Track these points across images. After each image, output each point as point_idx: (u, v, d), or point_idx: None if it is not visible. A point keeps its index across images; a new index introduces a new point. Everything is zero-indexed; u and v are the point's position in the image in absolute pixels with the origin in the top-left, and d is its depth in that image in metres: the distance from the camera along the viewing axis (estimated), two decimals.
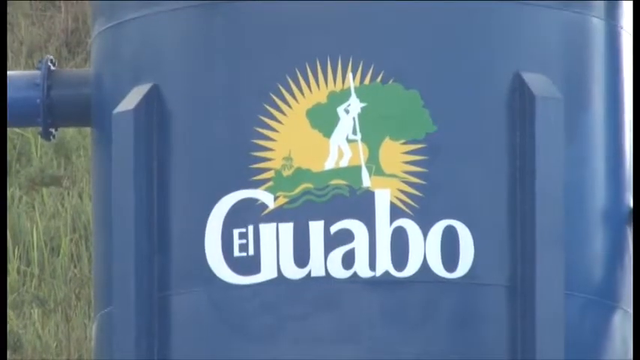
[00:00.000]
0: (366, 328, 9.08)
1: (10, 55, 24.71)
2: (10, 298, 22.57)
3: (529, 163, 9.21)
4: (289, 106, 9.12)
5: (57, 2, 24.90)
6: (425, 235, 9.00)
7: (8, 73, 11.82)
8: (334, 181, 9.03)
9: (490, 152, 9.24)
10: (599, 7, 9.94)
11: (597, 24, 9.74)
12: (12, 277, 22.90)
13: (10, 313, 22.41)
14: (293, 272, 9.05)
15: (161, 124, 9.42)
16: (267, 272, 9.05)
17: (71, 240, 22.68)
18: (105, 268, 9.68)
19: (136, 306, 9.17)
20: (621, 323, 9.68)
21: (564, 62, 9.58)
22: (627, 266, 10.01)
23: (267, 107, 9.14)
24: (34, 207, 23.69)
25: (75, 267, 22.44)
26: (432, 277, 9.00)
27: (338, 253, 8.99)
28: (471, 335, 9.20)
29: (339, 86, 9.09)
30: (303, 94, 9.10)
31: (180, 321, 9.29)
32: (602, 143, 9.77)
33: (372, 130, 9.06)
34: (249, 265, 9.08)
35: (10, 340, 22.11)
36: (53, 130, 10.43)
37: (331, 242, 9.05)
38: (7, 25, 24.88)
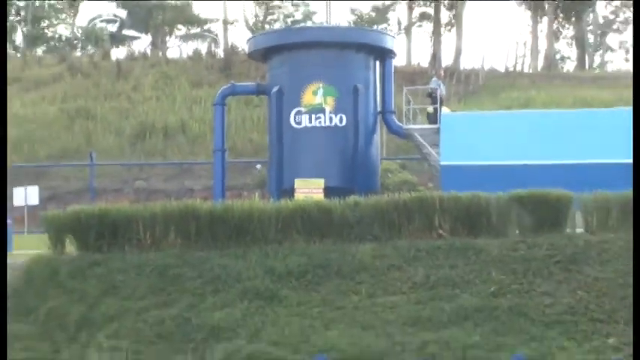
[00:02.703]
0: (322, 140, 21.94)
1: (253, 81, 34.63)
2: None
3: (356, 104, 22.13)
4: (306, 89, 22.34)
5: (252, 67, 34.97)
6: (336, 116, 22.25)
7: (246, 83, 25.06)
8: (317, 106, 22.28)
9: (351, 101, 22.04)
10: (378, 55, 22.67)
11: (375, 64, 22.95)
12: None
13: None
14: (310, 124, 22.14)
15: (281, 95, 22.63)
16: (304, 125, 22.19)
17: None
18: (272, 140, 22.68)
19: (277, 135, 22.32)
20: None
21: (364, 79, 22.59)
22: (377, 145, 22.75)
23: (302, 91, 22.31)
24: (252, 122, 34.83)
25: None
26: (338, 125, 22.11)
27: (317, 120, 22.24)
28: (348, 143, 21.90)
29: (318, 85, 22.22)
30: (309, 87, 22.30)
31: (286, 138, 22.26)
32: (373, 102, 22.86)
33: (325, 95, 22.26)
34: (299, 122, 22.33)
35: None
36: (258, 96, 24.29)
37: (317, 118, 22.16)
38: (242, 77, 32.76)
